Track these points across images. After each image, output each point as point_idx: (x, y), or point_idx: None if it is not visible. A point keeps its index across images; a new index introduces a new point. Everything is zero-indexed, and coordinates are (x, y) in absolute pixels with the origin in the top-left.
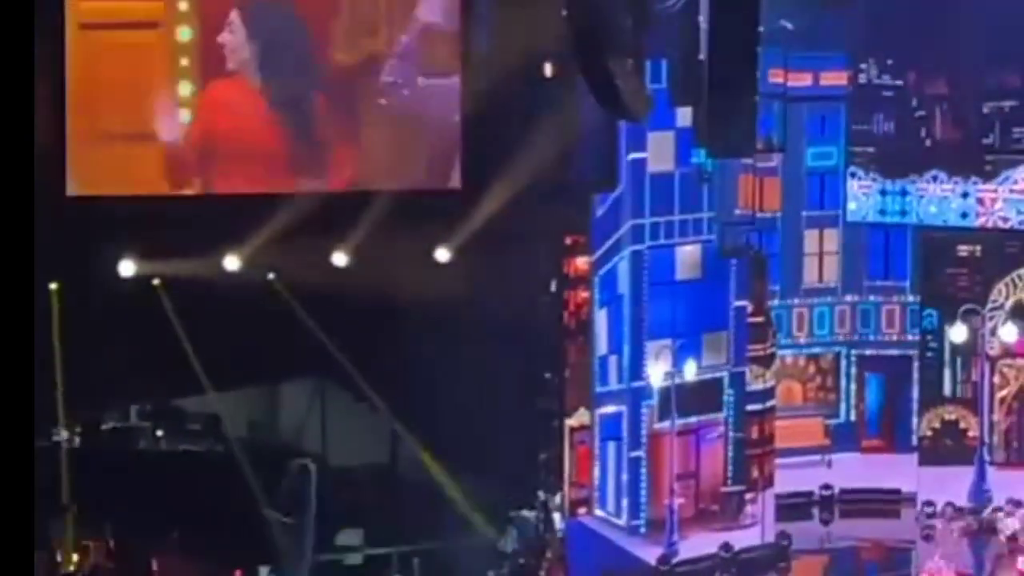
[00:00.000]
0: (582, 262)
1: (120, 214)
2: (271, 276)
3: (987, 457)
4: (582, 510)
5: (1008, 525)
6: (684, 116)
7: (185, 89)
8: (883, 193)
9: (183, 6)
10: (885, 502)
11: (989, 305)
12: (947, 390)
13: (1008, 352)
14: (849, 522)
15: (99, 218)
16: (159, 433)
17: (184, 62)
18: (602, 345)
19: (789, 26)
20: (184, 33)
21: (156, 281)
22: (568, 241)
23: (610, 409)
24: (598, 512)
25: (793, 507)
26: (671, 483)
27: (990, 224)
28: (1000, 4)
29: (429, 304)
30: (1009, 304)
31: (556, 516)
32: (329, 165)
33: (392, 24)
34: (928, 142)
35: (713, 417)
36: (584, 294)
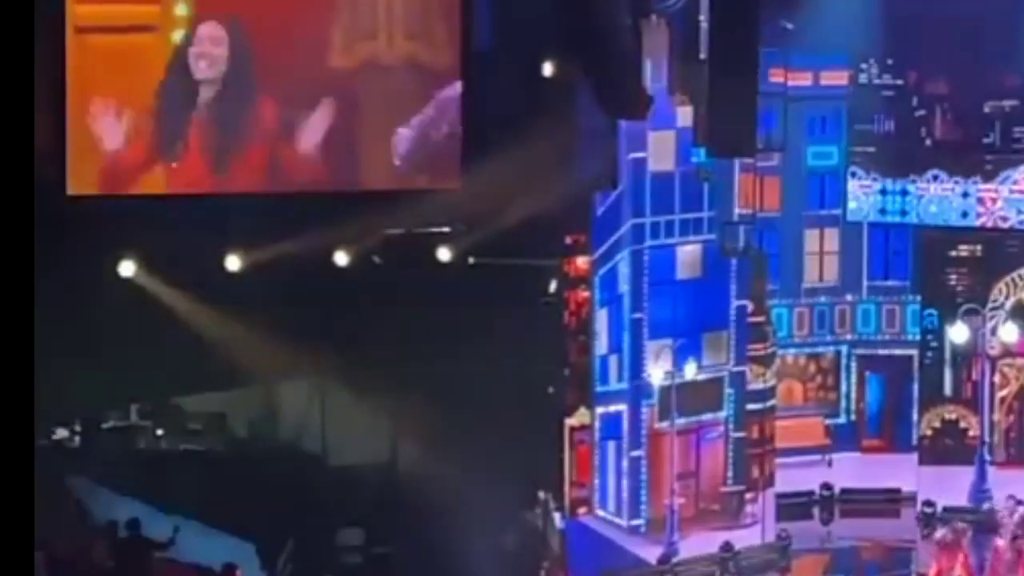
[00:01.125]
0: (582, 261)
1: (120, 214)
2: (270, 275)
3: (987, 457)
4: (582, 509)
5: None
6: (684, 115)
7: None
8: (883, 193)
9: (180, 10)
10: (885, 501)
11: (989, 305)
12: (947, 390)
13: (1008, 352)
14: (849, 521)
15: (99, 218)
16: (159, 432)
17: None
18: (602, 344)
19: (789, 26)
20: (180, 37)
21: (154, 280)
22: (568, 240)
23: (610, 408)
24: (598, 511)
25: (793, 506)
26: (671, 482)
27: (990, 224)
28: (1000, 4)
29: (430, 304)
30: (1009, 304)
31: (556, 515)
32: (331, 165)
33: (390, 27)
34: (928, 142)
35: (713, 416)
36: (584, 293)
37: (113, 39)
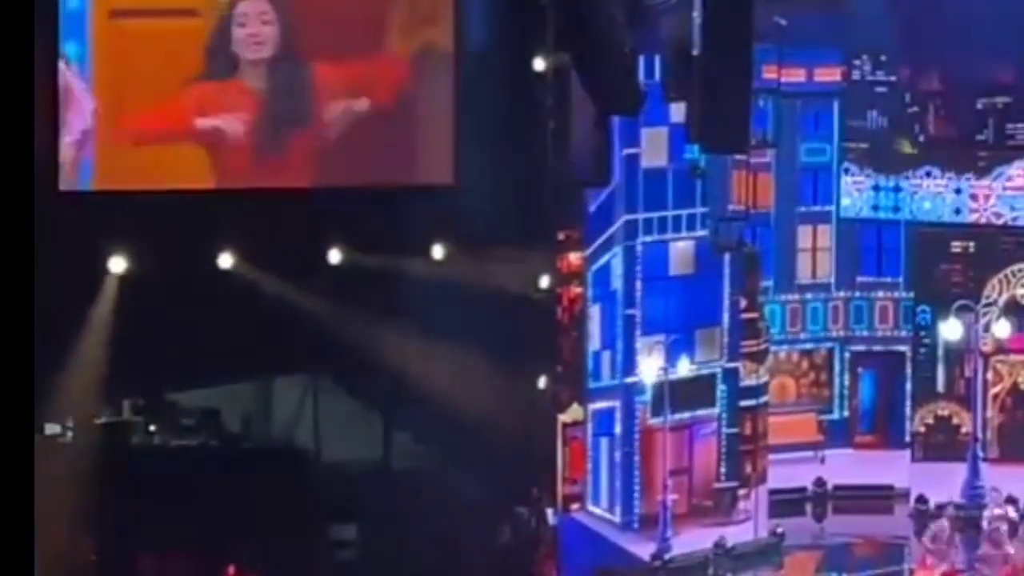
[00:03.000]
0: (575, 258)
1: (117, 210)
2: (263, 273)
3: (980, 453)
4: (575, 506)
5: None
6: (678, 111)
7: None
8: (876, 189)
9: None
10: (878, 498)
11: (982, 301)
12: (940, 386)
13: (1001, 348)
14: (842, 518)
15: (95, 214)
16: (152, 428)
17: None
18: (595, 341)
19: (783, 22)
20: (222, 21)
21: (151, 277)
22: (561, 236)
23: (603, 405)
24: (591, 508)
25: (786, 503)
26: (664, 479)
27: (983, 220)
28: (994, 1)
29: (423, 300)
30: (1002, 300)
31: (549, 512)
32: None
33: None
34: (922, 138)
35: (706, 413)
36: (577, 290)
37: (150, 24)
